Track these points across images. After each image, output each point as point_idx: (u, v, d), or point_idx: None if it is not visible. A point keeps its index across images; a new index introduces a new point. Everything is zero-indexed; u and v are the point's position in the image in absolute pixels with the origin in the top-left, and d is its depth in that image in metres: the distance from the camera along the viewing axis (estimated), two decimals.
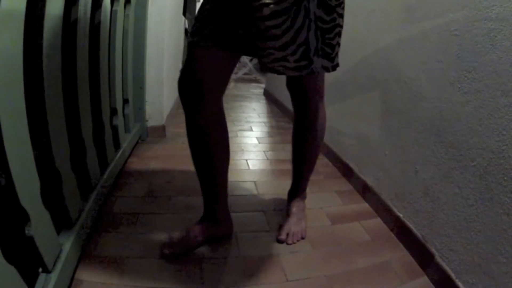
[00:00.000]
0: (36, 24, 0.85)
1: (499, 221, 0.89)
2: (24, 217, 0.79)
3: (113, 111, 1.66)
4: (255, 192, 1.60)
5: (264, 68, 0.94)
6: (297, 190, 1.37)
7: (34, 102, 0.83)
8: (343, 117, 1.94)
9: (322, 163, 2.01)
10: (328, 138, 2.11)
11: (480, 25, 1.00)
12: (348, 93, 1.88)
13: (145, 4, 2.03)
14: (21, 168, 0.75)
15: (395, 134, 1.42)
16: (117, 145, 1.71)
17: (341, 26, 0.98)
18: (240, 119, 2.88)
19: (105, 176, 1.42)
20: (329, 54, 0.95)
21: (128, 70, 1.93)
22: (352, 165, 1.79)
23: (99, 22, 1.36)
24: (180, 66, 3.56)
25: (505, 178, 0.87)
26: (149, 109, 2.26)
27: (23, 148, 0.77)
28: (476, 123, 0.99)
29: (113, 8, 1.56)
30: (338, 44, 0.99)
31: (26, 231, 0.80)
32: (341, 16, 0.97)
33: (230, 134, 1.95)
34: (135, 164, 1.84)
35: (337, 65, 1.02)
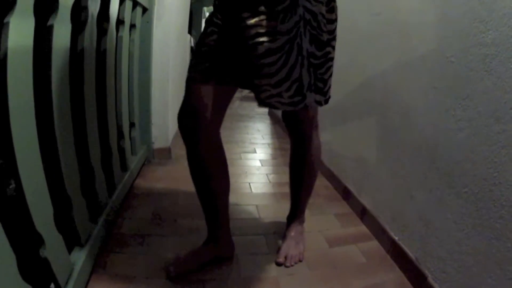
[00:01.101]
0: (44, 57, 0.91)
1: (489, 245, 0.93)
2: (39, 240, 0.86)
3: (120, 135, 1.73)
4: (256, 215, 1.65)
5: (260, 103, 1.00)
6: (295, 215, 1.42)
7: (45, 132, 0.90)
8: (344, 140, 2.00)
9: (323, 185, 2.06)
10: (329, 161, 2.17)
11: (475, 51, 1.03)
12: (348, 116, 1.94)
13: (150, 28, 2.11)
14: (35, 196, 0.82)
15: (392, 159, 1.47)
16: (124, 168, 1.77)
17: (333, 58, 1.04)
18: (244, 141, 2.95)
19: (113, 198, 1.48)
20: (321, 89, 1.01)
21: (134, 94, 2.01)
22: (351, 188, 1.84)
23: (105, 49, 1.42)
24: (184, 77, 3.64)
25: (495, 204, 0.92)
26: (155, 131, 2.33)
27: (37, 177, 0.85)
28: (469, 150, 1.03)
29: (119, 34, 1.63)
30: (330, 75, 1.05)
31: (41, 253, 0.87)
32: (334, 48, 1.03)
33: (234, 156, 2.01)
34: (142, 185, 1.90)
35: (329, 98, 1.07)
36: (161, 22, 2.24)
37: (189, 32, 4.99)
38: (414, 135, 1.32)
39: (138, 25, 1.94)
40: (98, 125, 1.33)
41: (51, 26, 0.91)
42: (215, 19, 1.01)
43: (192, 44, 6.36)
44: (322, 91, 1.01)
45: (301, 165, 1.32)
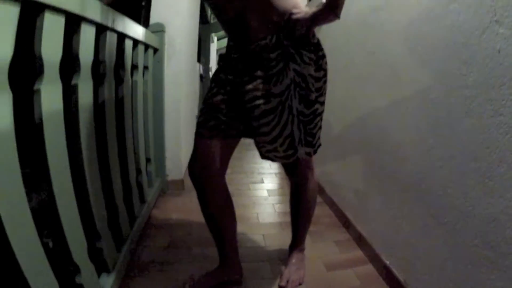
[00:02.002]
0: (72, 113, 1.07)
1: (465, 270, 1.05)
2: (75, 269, 1.04)
3: (138, 171, 1.90)
4: (262, 244, 1.79)
5: (262, 156, 1.19)
6: (296, 244, 1.57)
7: (77, 177, 1.08)
8: (343, 172, 2.14)
9: (325, 213, 2.21)
10: (330, 190, 2.32)
11: (457, 93, 1.11)
12: (347, 150, 2.08)
13: (161, 67, 2.30)
14: (73, 233, 1.01)
15: (384, 191, 1.61)
16: (142, 200, 1.95)
17: (322, 112, 1.19)
18: (253, 170, 3.09)
19: (134, 229, 1.65)
20: (310, 142, 1.17)
21: (149, 132, 2.18)
22: (349, 216, 1.97)
23: (123, 96, 1.58)
24: (196, 112, 3.80)
25: (470, 234, 1.03)
26: (168, 164, 2.51)
27: (74, 218, 1.04)
28: (448, 186, 1.14)
29: (133, 78, 1.79)
30: (319, 128, 1.20)
31: (77, 280, 1.06)
32: (322, 103, 1.18)
33: (243, 187, 2.18)
34: (158, 216, 2.08)
35: (319, 146, 1.23)
36: (171, 62, 2.42)
37: (198, 59, 5.16)
38: (403, 171, 1.44)
39: (150, 66, 2.13)
40: (120, 165, 1.51)
41: (76, 86, 1.07)
42: (219, 79, 1.19)
43: (201, 72, 6.54)
44: (311, 144, 1.17)
45: (299, 203, 1.48)
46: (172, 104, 2.48)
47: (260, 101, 1.08)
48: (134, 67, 1.80)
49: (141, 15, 2.50)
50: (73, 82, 1.06)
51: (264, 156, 1.18)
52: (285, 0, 1.06)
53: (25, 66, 0.83)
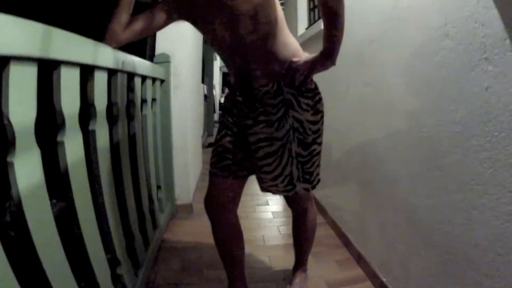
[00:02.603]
0: (91, 156, 1.18)
1: None
2: None
3: (151, 200, 2.03)
4: (268, 265, 1.91)
5: (262, 189, 1.34)
6: (299, 265, 1.70)
7: (98, 211, 1.21)
8: (343, 195, 2.28)
9: (327, 234, 2.32)
10: (332, 212, 2.45)
11: (446, 128, 1.19)
12: (346, 175, 2.21)
13: (168, 97, 2.43)
14: (98, 262, 1.15)
15: (381, 215, 1.73)
16: (155, 225, 2.07)
17: (319, 152, 1.31)
18: (258, 193, 3.11)
19: (148, 253, 1.77)
20: (308, 179, 1.29)
21: (159, 160, 2.30)
22: (350, 236, 2.09)
23: (134, 132, 1.70)
24: (201, 131, 3.92)
25: (456, 256, 1.15)
26: (177, 189, 2.64)
27: (99, 250, 1.18)
28: (436, 213, 1.25)
29: (143, 113, 1.89)
30: (317, 165, 1.32)
31: None
32: (320, 143, 1.30)
33: (249, 210, 2.30)
34: (170, 239, 2.21)
35: (318, 182, 1.35)
36: (177, 91, 2.56)
37: (202, 80, 5.29)
38: (396, 197, 1.56)
39: (158, 98, 2.26)
40: (134, 196, 1.64)
41: (93, 131, 1.17)
42: (226, 121, 1.33)
43: (205, 92, 6.71)
44: (309, 181, 1.29)
45: (300, 231, 1.60)
46: (179, 131, 2.62)
47: (263, 144, 1.22)
48: (143, 101, 1.91)
49: (147, 46, 2.60)
50: (90, 128, 1.17)
51: (264, 189, 1.33)
52: (285, 49, 1.20)
53: (45, 118, 0.87)
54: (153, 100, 2.17)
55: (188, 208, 2.70)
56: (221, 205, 1.35)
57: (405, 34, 1.48)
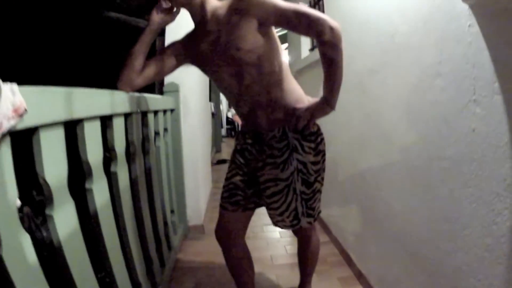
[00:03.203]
0: (114, 194, 1.33)
1: None
2: None
3: (165, 224, 2.19)
4: (276, 283, 2.04)
5: (273, 224, 1.47)
6: (304, 284, 1.82)
7: (121, 241, 1.37)
8: (345, 217, 2.40)
9: (331, 252, 2.45)
10: (335, 231, 2.58)
11: (436, 163, 1.27)
12: (348, 197, 2.33)
13: (178, 125, 2.59)
14: (123, 287, 1.30)
15: (377, 237, 1.86)
16: (169, 247, 2.22)
17: (321, 188, 1.44)
18: (265, 212, 3.32)
19: (164, 274, 1.92)
20: (311, 214, 1.42)
21: (172, 186, 2.45)
22: (351, 255, 2.21)
23: (150, 166, 1.83)
24: (210, 150, 4.04)
25: (443, 279, 1.26)
26: (189, 211, 2.80)
27: (125, 276, 1.33)
28: (427, 240, 1.37)
29: (156, 144, 2.02)
30: (319, 200, 1.45)
31: None
32: (321, 180, 1.43)
33: (256, 229, 2.43)
34: (183, 259, 2.36)
35: (319, 213, 1.49)
36: (187, 118, 2.73)
37: (210, 100, 5.42)
38: (393, 223, 1.67)
39: (169, 127, 2.40)
40: (151, 223, 1.79)
41: (115, 173, 1.30)
42: (237, 161, 1.48)
43: (213, 110, 6.85)
44: (312, 215, 1.43)
45: (304, 254, 1.73)
46: (190, 156, 2.77)
47: (271, 184, 1.36)
48: (156, 133, 2.04)
49: None
50: (112, 170, 1.30)
51: (275, 224, 1.47)
52: (289, 96, 1.34)
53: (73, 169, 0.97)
54: (165, 130, 2.31)
55: (199, 229, 2.84)
56: (231, 235, 1.50)
57: (402, 68, 1.56)
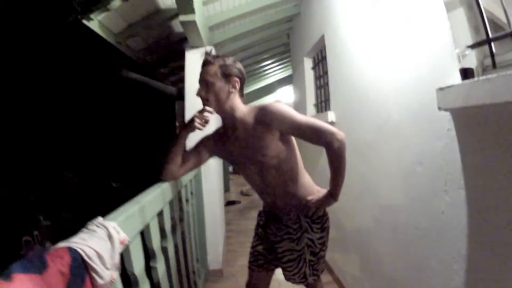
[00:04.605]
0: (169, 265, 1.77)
1: None
2: None
3: (194, 272, 2.56)
4: None
5: (285, 278, 1.82)
6: None
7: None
8: (345, 260, 2.79)
9: None
10: (338, 272, 2.97)
11: (412, 229, 1.66)
12: (347, 245, 2.72)
13: (201, 187, 2.99)
14: None
15: (371, 281, 2.24)
16: None
17: (324, 253, 1.75)
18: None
19: None
20: (316, 273, 1.77)
21: (196, 239, 2.82)
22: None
23: (183, 231, 2.23)
24: (223, 196, 4.43)
25: None
26: (209, 257, 3.19)
27: None
28: (407, 283, 1.75)
29: (185, 209, 2.28)
30: (323, 262, 1.79)
31: None
32: (324, 250, 1.74)
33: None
34: None
35: (323, 271, 1.83)
36: (208, 178, 3.14)
37: None
38: (382, 269, 2.04)
39: (194, 190, 2.78)
40: (186, 275, 2.19)
41: (166, 248, 1.73)
42: (260, 234, 1.87)
43: None
44: (316, 274, 1.78)
45: None
46: (210, 210, 3.19)
47: (287, 253, 1.73)
48: (186, 200, 2.36)
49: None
50: (163, 245, 1.67)
51: (287, 280, 1.81)
52: (302, 189, 1.66)
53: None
54: (191, 193, 2.69)
55: (219, 272, 3.23)
56: None
57: (392, 147, 1.88)
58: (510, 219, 1.11)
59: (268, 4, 3.77)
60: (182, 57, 3.46)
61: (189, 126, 1.64)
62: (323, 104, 3.76)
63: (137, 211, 1.26)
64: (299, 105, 4.48)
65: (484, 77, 1.11)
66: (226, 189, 7.59)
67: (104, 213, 1.09)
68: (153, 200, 1.45)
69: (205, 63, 1.60)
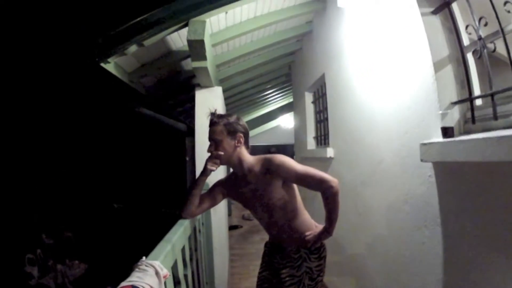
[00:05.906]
0: None
1: None
2: None
3: None
4: None
5: None
6: None
7: None
8: (341, 282, 3.06)
9: None
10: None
11: (399, 258, 1.96)
12: (343, 268, 2.99)
13: (209, 217, 3.20)
14: None
15: None
16: None
17: (322, 279, 2.02)
18: None
19: None
20: None
21: (206, 264, 3.02)
22: None
23: (197, 258, 2.47)
24: (227, 217, 4.68)
25: None
26: (217, 281, 3.38)
27: None
28: None
29: (198, 239, 2.48)
30: (321, 285, 2.07)
31: None
32: (322, 275, 2.00)
33: None
34: None
35: None
36: (216, 210, 3.35)
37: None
38: None
39: (204, 220, 3.01)
40: None
41: (186, 275, 1.94)
42: (266, 262, 2.11)
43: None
44: None
45: None
46: (217, 236, 3.44)
47: (289, 278, 1.98)
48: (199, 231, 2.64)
49: (186, 170, 3.30)
50: (184, 273, 1.89)
51: None
52: (303, 225, 1.91)
53: None
54: (202, 224, 2.91)
55: None
56: None
57: (384, 187, 2.16)
58: (479, 251, 1.40)
59: (271, 43, 4.09)
60: (189, 90, 3.71)
61: (204, 173, 1.86)
62: (322, 138, 4.03)
63: (170, 249, 1.52)
64: (300, 136, 4.80)
65: (459, 138, 1.43)
66: (229, 213, 7.74)
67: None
68: (178, 238, 1.71)
69: (212, 124, 1.82)
